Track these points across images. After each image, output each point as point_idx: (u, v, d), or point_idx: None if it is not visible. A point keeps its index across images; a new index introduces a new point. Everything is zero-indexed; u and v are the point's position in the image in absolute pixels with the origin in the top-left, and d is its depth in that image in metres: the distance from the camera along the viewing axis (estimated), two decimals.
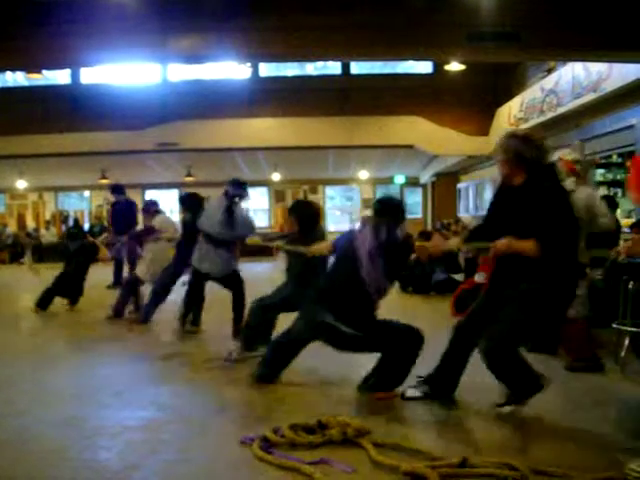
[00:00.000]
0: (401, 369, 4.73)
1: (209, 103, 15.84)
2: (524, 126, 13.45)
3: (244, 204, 7.12)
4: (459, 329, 4.58)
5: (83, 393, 5.07)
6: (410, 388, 4.70)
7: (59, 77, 17.89)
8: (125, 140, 15.90)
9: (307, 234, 5.72)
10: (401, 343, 4.69)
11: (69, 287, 9.51)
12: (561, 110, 11.55)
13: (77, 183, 23.71)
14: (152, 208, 8.85)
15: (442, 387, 4.62)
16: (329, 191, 25.56)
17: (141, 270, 8.53)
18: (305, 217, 5.95)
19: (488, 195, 17.00)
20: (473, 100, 16.33)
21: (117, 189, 12.53)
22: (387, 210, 4.83)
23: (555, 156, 5.45)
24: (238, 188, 6.91)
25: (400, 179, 23.84)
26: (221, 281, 7.18)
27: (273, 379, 5.16)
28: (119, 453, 3.76)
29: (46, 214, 24.61)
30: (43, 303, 9.31)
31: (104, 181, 20.95)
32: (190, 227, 7.50)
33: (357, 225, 4.95)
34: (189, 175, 21.05)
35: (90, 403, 4.76)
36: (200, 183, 19.96)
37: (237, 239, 7.01)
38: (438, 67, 16.08)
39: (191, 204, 7.76)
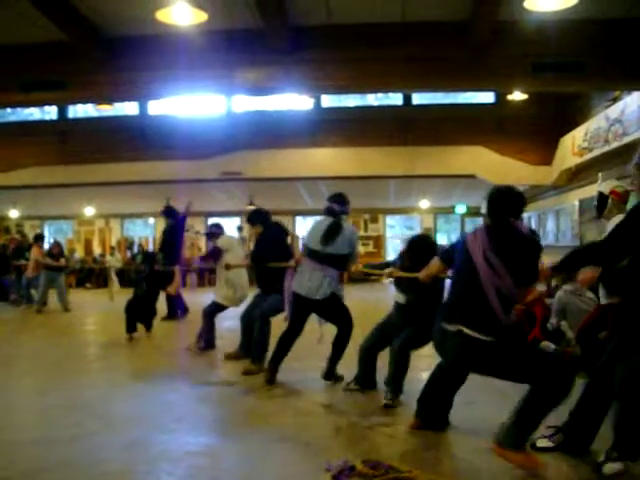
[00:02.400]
0: (540, 412, 3.83)
1: (272, 133, 16.11)
2: (588, 156, 13.26)
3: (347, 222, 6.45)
4: (596, 374, 4.09)
5: (148, 418, 5.18)
6: (542, 437, 4.21)
7: (127, 108, 18.46)
8: (190, 169, 16.25)
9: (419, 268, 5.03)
10: (552, 374, 3.78)
11: (143, 313, 9.56)
12: (627, 140, 11.34)
13: (142, 210, 24.28)
14: (216, 231, 8.78)
15: (579, 438, 4.16)
16: (389, 220, 25.53)
17: (223, 296, 8.26)
18: (420, 250, 5.42)
19: (551, 225, 16.75)
20: (536, 129, 16.16)
21: (169, 212, 12.11)
22: (502, 203, 4.08)
23: (604, 188, 5.33)
24: (343, 204, 6.37)
25: (461, 209, 23.68)
26: (321, 309, 6.33)
27: (443, 425, 4.74)
28: (181, 478, 3.84)
29: (112, 240, 25.24)
30: (130, 327, 9.35)
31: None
32: (264, 242, 7.45)
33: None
34: (251, 204, 21.36)
35: (154, 428, 4.86)
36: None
37: (342, 259, 6.22)
38: (500, 96, 16.01)
39: (262, 217, 7.64)
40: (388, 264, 6.03)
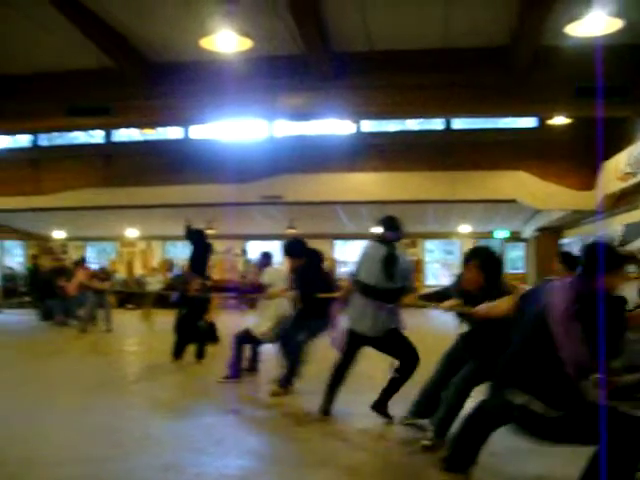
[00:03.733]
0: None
1: (313, 158, 16.20)
2: (633, 181, 13.07)
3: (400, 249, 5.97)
4: None
5: (186, 440, 5.22)
6: None
7: (171, 132, 18.76)
8: (231, 192, 16.39)
9: (492, 289, 4.60)
10: (625, 435, 3.29)
11: (192, 337, 9.40)
12: None
13: (183, 233, 24.51)
14: (265, 261, 8.63)
15: None
16: (428, 245, 25.41)
17: (261, 330, 7.76)
18: (493, 265, 4.84)
19: None
20: (578, 154, 15.96)
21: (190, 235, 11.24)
22: (599, 259, 3.44)
23: None
24: (396, 232, 5.87)
25: (502, 234, 23.47)
26: (381, 345, 5.90)
27: (467, 467, 3.99)
28: None
29: (153, 262, 25.53)
30: (177, 352, 9.28)
31: (210, 231, 21.72)
32: (304, 274, 7.19)
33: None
34: (291, 227, 21.46)
35: (191, 450, 4.89)
36: (302, 235, 20.31)
37: (397, 293, 5.77)
38: (542, 121, 15.90)
39: (299, 249, 7.42)
40: (444, 292, 5.51)
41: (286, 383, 7.08)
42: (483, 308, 4.29)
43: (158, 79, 10.09)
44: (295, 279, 7.37)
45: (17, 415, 5.92)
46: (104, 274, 14.61)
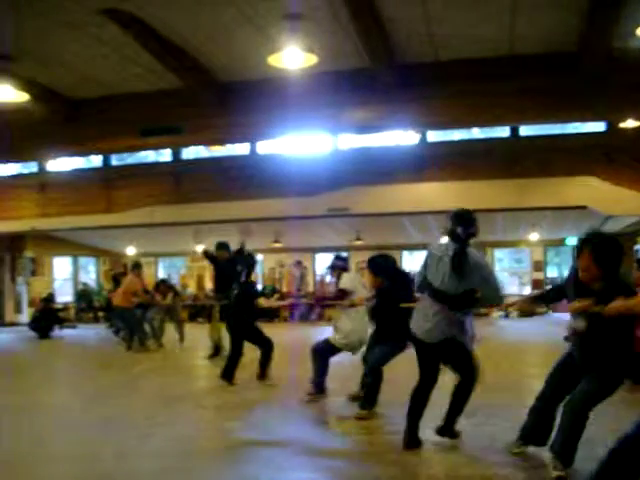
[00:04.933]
0: None
1: (378, 169, 16.18)
2: None
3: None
4: None
5: (261, 453, 5.25)
6: None
7: (237, 148, 19.06)
8: (297, 206, 16.54)
9: (613, 280, 4.06)
10: None
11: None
12: None
13: (250, 247, 24.81)
14: (341, 265, 7.65)
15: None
16: (497, 253, 25.07)
17: (343, 341, 7.19)
18: (610, 252, 4.13)
19: None
20: None
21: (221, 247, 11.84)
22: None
23: None
24: (469, 226, 5.10)
25: (573, 241, 22.99)
26: (439, 354, 5.23)
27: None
28: None
29: None
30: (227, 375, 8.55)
31: (277, 245, 22.02)
32: (386, 295, 6.62)
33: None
34: (358, 239, 21.49)
35: (267, 463, 4.91)
36: (369, 247, 20.35)
37: (467, 297, 5.07)
38: (611, 125, 15.54)
39: (386, 269, 6.76)
40: (558, 290, 4.90)
41: (369, 404, 6.55)
42: (620, 304, 3.65)
43: (227, 97, 10.31)
44: (376, 297, 6.79)
45: (88, 429, 6.07)
46: (165, 288, 14.65)
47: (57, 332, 17.12)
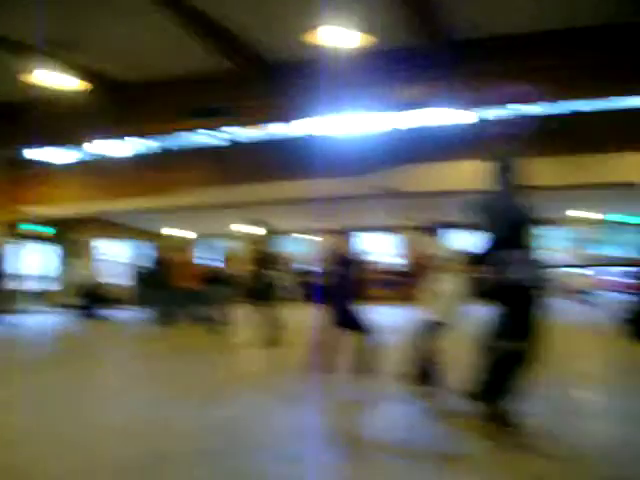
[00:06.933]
0: None
1: (433, 148, 15.82)
2: None
3: None
4: None
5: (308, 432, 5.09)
6: None
7: (285, 129, 18.83)
8: (349, 186, 16.33)
9: None
10: None
11: None
12: None
13: (293, 227, 24.62)
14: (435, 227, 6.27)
15: None
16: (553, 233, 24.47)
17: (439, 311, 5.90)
18: None
19: None
20: None
21: None
22: None
23: None
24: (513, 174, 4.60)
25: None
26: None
27: None
28: None
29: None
30: None
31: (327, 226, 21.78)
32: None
33: None
34: (410, 219, 21.17)
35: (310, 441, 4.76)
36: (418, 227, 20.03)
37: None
38: None
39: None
40: None
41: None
42: None
43: (276, 77, 10.25)
44: None
45: (144, 409, 6.06)
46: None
47: (110, 313, 17.07)
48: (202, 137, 20.31)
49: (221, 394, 6.72)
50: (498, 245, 4.54)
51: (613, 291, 17.37)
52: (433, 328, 5.87)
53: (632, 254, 21.16)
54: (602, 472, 3.77)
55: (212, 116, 10.55)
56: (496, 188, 4.60)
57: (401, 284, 10.75)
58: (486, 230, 4.57)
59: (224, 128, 16.52)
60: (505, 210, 4.57)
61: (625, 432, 4.39)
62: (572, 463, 3.98)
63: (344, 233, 8.68)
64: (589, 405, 5.46)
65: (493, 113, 16.91)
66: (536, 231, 4.51)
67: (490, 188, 4.55)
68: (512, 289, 4.45)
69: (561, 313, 12.98)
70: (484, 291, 4.86)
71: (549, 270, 4.68)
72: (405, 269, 8.35)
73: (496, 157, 4.68)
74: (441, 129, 16.25)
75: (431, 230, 6.30)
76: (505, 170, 4.62)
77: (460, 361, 5.22)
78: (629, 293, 9.95)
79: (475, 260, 4.96)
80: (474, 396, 4.76)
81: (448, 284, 6.00)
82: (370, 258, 24.21)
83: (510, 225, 4.53)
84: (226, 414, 5.79)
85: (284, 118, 11.83)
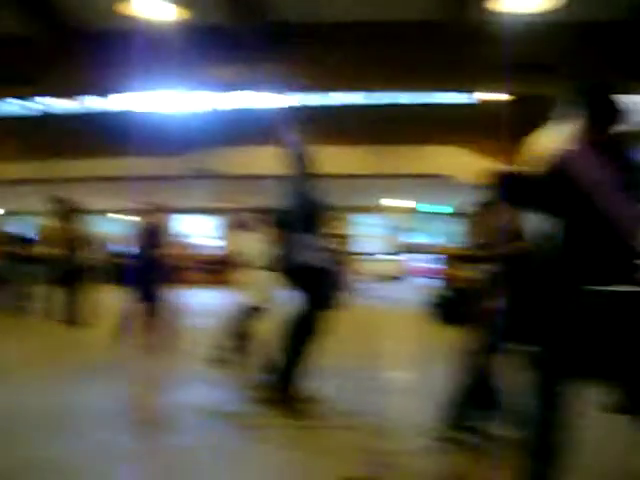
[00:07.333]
0: None
1: (250, 130, 15.81)
2: None
3: None
4: None
5: None
6: None
7: (95, 103, 17.99)
8: (166, 165, 16.01)
9: None
10: None
11: None
12: None
13: (102, 207, 23.78)
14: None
15: None
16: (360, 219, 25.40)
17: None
18: None
19: None
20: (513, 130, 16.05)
21: None
22: None
23: None
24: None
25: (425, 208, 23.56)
26: None
27: None
28: None
29: None
30: None
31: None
32: None
33: None
34: (226, 201, 21.08)
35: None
36: (241, 209, 19.95)
37: None
38: (471, 97, 15.94)
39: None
40: None
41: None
42: None
43: (89, 48, 9.76)
44: None
45: None
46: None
47: None
48: (11, 107, 19.08)
49: (11, 375, 6.40)
50: (293, 229, 4.72)
51: (423, 277, 18.28)
52: (249, 312, 6.02)
53: (440, 242, 22.46)
54: (370, 444, 3.86)
55: (13, 84, 9.88)
56: (292, 174, 4.70)
57: (219, 268, 10.68)
58: (286, 215, 4.78)
59: (36, 99, 15.59)
60: (298, 196, 4.73)
61: (421, 407, 4.46)
62: (353, 434, 4.15)
63: (160, 214, 8.61)
64: (394, 383, 5.70)
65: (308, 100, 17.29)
66: (336, 217, 4.83)
67: (288, 174, 4.65)
68: (301, 270, 4.66)
69: (372, 297, 13.60)
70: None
71: (338, 255, 4.98)
72: (222, 253, 8.50)
73: (290, 143, 4.78)
74: (261, 112, 16.31)
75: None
76: (299, 157, 4.77)
77: (269, 343, 5.20)
78: (437, 279, 10.56)
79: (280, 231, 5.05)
80: (273, 372, 4.82)
81: (256, 255, 5.97)
82: (187, 240, 23.85)
83: (302, 211, 4.72)
84: (7, 396, 5.52)
85: (99, 91, 11.36)
